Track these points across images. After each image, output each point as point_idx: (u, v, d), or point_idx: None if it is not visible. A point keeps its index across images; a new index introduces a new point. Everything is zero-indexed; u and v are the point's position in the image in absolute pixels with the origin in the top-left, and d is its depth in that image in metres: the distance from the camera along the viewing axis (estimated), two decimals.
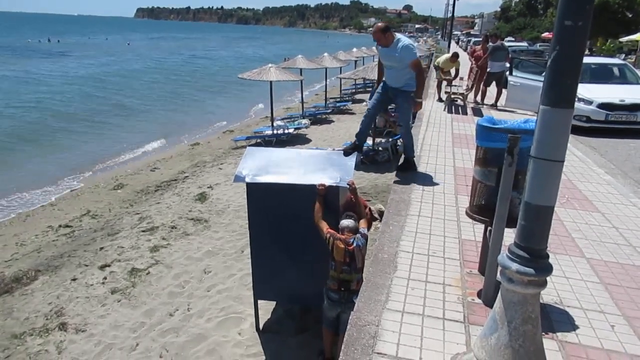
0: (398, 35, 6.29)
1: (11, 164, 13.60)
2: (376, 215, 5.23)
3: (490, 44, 13.52)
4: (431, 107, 12.12)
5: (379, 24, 6.40)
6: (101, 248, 7.33)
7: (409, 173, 6.45)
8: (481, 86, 13.45)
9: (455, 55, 14.07)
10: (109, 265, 6.68)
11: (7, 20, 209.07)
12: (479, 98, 13.51)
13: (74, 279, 6.42)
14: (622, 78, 12.54)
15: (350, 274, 3.95)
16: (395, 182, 6.12)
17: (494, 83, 13.22)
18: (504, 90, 12.90)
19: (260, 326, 4.97)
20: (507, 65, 13.04)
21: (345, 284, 3.98)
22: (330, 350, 4.33)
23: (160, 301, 5.70)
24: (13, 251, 7.85)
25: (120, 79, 33.18)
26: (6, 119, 19.39)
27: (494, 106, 13.01)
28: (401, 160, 6.86)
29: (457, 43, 56.01)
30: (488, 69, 13.08)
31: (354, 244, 3.96)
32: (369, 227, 5.31)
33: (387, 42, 6.16)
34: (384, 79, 6.54)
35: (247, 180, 4.30)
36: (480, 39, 17.94)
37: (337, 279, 4.00)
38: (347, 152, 6.17)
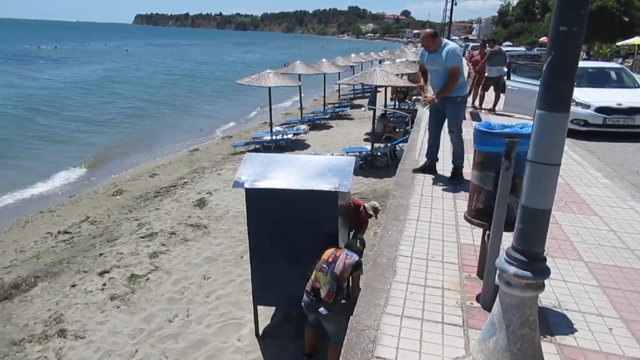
0: (445, 40, 6.37)
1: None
2: (371, 212, 5.27)
3: (488, 48, 13.59)
4: (429, 112, 12.14)
5: (428, 30, 6.49)
6: (100, 254, 7.33)
7: (456, 182, 6.38)
8: (479, 91, 13.49)
9: None
10: (108, 272, 6.68)
11: (5, 26, 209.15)
12: (477, 103, 13.55)
13: (73, 285, 6.41)
14: (620, 82, 12.58)
15: (326, 275, 3.99)
16: (394, 187, 6.15)
17: (491, 88, 13.26)
18: (501, 95, 12.93)
19: (260, 331, 4.97)
20: (505, 69, 13.08)
21: (315, 290, 4.04)
22: (309, 344, 4.46)
23: (159, 307, 5.69)
24: (12, 257, 7.85)
25: (118, 85, 33.23)
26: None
27: (492, 111, 13.03)
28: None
29: None
30: (486, 74, 13.12)
31: (344, 251, 4.07)
32: (365, 225, 5.36)
33: (435, 48, 6.21)
34: (429, 88, 6.62)
35: (246, 185, 4.32)
36: (478, 44, 18.02)
37: (313, 278, 4.08)
38: (416, 170, 6.69)
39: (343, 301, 4.18)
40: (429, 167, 6.77)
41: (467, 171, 6.27)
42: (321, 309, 3.95)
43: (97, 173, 13.85)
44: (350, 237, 5.12)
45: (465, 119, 9.15)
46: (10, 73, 38.03)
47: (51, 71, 40.76)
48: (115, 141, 17.70)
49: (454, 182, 6.38)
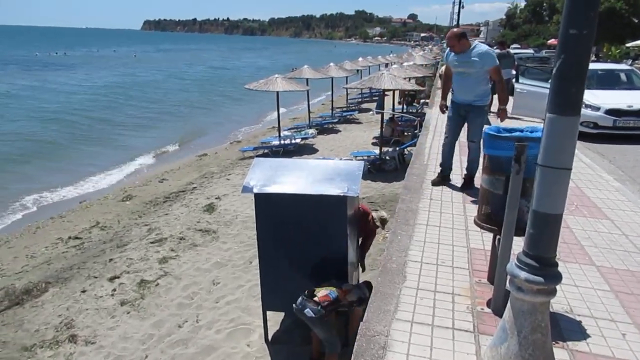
0: (474, 41, 6.15)
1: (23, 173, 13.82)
2: (378, 223, 5.20)
3: (497, 51, 13.57)
4: (437, 116, 12.09)
5: (455, 30, 6.19)
6: (110, 260, 7.37)
7: (469, 188, 6.23)
8: None
9: None
10: (118, 277, 6.71)
11: (16, 34, 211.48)
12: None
13: (84, 291, 6.45)
14: (630, 84, 12.48)
15: (332, 285, 4.06)
16: (402, 191, 6.12)
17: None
18: (510, 98, 12.89)
19: (269, 337, 4.96)
20: (513, 72, 13.03)
21: (312, 292, 4.02)
22: (315, 350, 4.43)
23: (169, 312, 5.71)
24: (23, 263, 7.91)
25: (126, 90, 33.51)
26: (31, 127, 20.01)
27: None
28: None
29: None
30: None
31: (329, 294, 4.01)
32: (373, 235, 5.31)
33: (462, 49, 5.96)
34: (451, 97, 6.36)
35: (255, 190, 4.32)
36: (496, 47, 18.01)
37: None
38: (434, 182, 6.43)
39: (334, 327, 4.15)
40: (446, 177, 6.54)
41: (475, 177, 6.25)
42: (307, 310, 3.87)
43: (106, 178, 13.96)
44: (359, 242, 5.11)
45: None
46: (28, 79, 38.48)
47: (61, 78, 41.18)
48: (123, 145, 17.86)
49: (465, 189, 6.23)
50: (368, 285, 4.32)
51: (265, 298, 4.73)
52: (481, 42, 7.08)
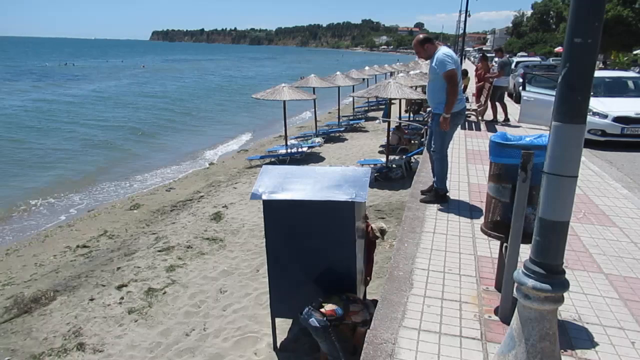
0: (440, 46, 5.91)
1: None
2: (377, 234, 5.17)
3: (496, 59, 13.74)
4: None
5: (418, 36, 6.01)
6: (118, 268, 7.40)
7: (435, 202, 6.00)
8: (491, 102, 13.47)
9: (465, 72, 14.26)
10: (125, 285, 6.74)
11: (25, 45, 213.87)
12: (499, 116, 13.53)
13: (92, 299, 6.48)
14: (637, 91, 12.45)
15: (341, 301, 4.07)
16: (409, 199, 6.12)
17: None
18: (517, 106, 12.94)
19: (277, 345, 4.96)
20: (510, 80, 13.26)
21: (319, 302, 4.03)
22: (322, 357, 4.36)
23: (176, 321, 5.72)
24: (32, 271, 7.96)
25: (135, 98, 33.78)
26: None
27: (496, 122, 13.09)
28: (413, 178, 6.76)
29: (470, 59, 56.08)
30: (496, 84, 13.16)
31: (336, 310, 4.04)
32: (373, 247, 5.30)
33: (427, 55, 5.79)
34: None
35: (264, 197, 4.34)
36: (493, 54, 18.12)
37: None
38: (424, 192, 6.26)
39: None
40: (430, 188, 6.27)
41: (482, 183, 6.24)
42: (312, 320, 3.89)
43: (115, 187, 14.04)
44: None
45: (480, 130, 9.13)
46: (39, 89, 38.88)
47: (64, 90, 41.49)
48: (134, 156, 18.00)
49: (432, 199, 5.99)
50: (376, 304, 4.33)
51: (274, 305, 4.73)
52: (447, 45, 6.93)
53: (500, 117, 13.39)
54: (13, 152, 17.84)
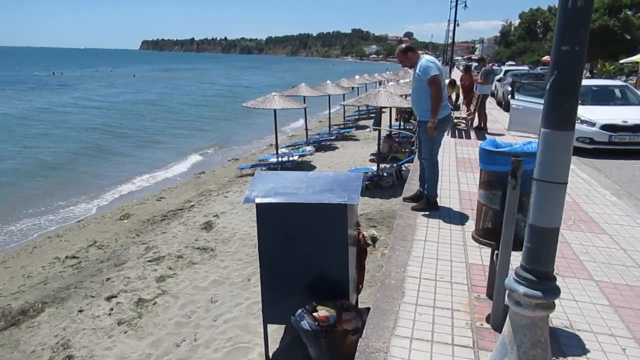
0: (422, 54, 6.01)
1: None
2: (369, 242, 5.16)
3: (482, 68, 14.05)
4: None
5: (400, 45, 6.14)
6: (107, 279, 7.32)
7: (426, 210, 6.01)
8: (479, 111, 13.64)
9: (452, 82, 14.53)
10: (115, 296, 6.66)
11: (14, 54, 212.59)
12: (482, 124, 13.66)
13: (81, 311, 6.40)
14: (624, 99, 12.62)
15: (335, 307, 4.01)
16: (400, 207, 6.13)
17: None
18: (506, 114, 13.10)
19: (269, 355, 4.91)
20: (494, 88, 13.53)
21: (313, 306, 3.99)
22: None
23: (166, 332, 5.66)
24: (20, 283, 7.85)
25: (130, 106, 33.65)
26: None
27: (481, 128, 13.27)
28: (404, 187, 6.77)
29: (459, 68, 56.57)
30: (480, 93, 13.37)
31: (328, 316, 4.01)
32: (365, 255, 5.29)
33: (410, 63, 5.88)
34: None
35: (257, 201, 4.33)
36: (477, 64, 18.44)
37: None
38: (406, 199, 6.31)
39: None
40: (421, 195, 6.29)
41: (472, 190, 6.27)
42: (303, 322, 3.86)
43: (105, 197, 13.94)
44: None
45: (470, 138, 9.19)
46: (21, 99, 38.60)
47: (56, 99, 41.23)
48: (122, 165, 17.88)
49: (423, 207, 6.00)
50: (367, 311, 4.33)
51: (266, 310, 4.69)
52: (428, 53, 7.05)
53: (476, 123, 13.63)
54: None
